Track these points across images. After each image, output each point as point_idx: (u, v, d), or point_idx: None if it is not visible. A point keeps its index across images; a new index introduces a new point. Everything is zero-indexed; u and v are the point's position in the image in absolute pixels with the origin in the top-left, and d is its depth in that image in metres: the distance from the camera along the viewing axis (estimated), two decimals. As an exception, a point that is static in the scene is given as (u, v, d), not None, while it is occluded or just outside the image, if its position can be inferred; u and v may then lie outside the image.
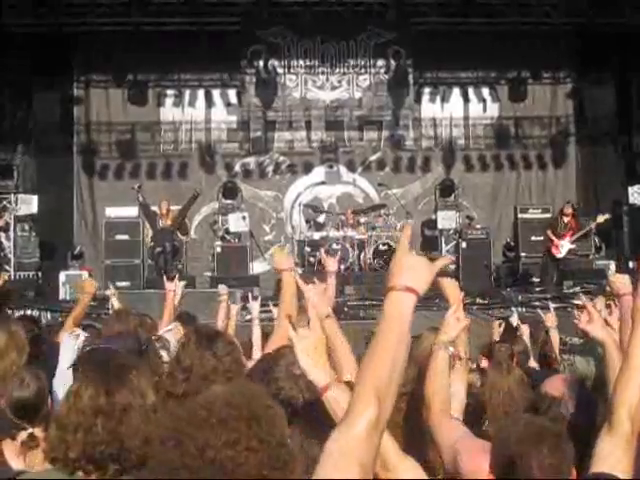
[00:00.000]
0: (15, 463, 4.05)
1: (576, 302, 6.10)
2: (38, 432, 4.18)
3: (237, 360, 4.85)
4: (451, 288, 4.94)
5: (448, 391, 4.21)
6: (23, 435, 4.11)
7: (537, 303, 16.86)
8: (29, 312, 15.96)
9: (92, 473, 3.07)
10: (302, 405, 4.17)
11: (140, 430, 3.10)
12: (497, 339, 8.78)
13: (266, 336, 6.92)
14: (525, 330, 9.29)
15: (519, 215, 20.78)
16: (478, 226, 20.86)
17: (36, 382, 4.50)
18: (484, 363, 7.29)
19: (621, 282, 5.24)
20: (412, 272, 2.75)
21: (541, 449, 3.29)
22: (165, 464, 2.43)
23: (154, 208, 19.26)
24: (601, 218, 18.88)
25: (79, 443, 3.08)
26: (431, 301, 16.75)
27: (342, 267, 18.94)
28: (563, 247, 18.47)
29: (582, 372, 4.82)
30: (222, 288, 9.00)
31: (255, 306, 8.44)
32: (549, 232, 18.75)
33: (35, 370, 4.73)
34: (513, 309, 11.30)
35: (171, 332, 6.88)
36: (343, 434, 2.49)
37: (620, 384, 3.44)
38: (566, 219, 18.73)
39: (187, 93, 22.05)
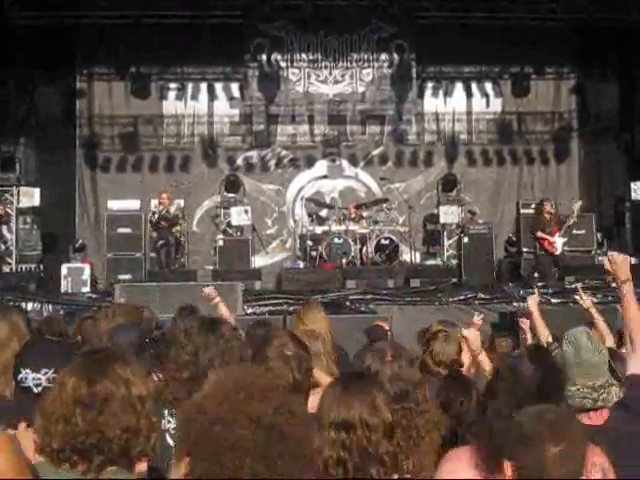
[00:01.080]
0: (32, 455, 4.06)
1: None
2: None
3: (244, 344, 4.89)
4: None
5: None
6: (21, 426, 4.11)
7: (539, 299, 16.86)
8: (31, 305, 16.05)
9: (78, 464, 3.06)
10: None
11: (121, 420, 3.09)
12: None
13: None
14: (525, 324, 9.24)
15: (521, 210, 20.77)
16: (480, 221, 20.85)
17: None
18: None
19: (621, 265, 5.28)
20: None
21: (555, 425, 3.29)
22: (221, 442, 2.52)
23: (155, 201, 19.29)
24: (576, 206, 18.85)
25: (60, 434, 3.08)
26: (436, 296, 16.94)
27: (344, 261, 18.97)
28: (557, 243, 18.42)
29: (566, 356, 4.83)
30: (209, 291, 8.93)
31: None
32: (539, 233, 18.60)
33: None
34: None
35: None
36: None
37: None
38: (548, 216, 18.65)
39: (190, 86, 22.03)
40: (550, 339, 7.56)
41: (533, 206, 19.82)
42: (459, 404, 5.24)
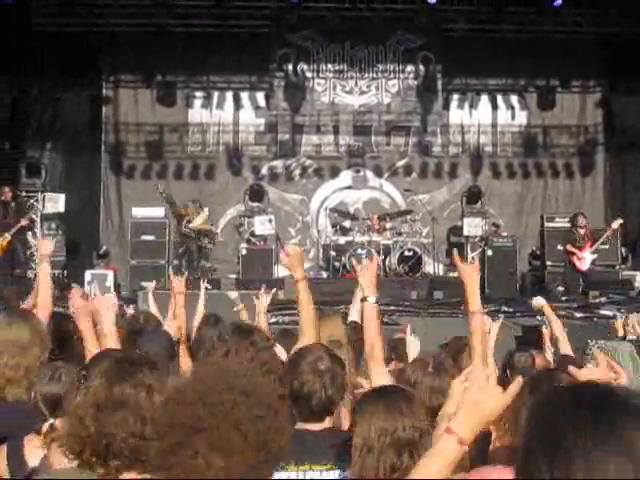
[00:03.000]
0: (33, 459, 4.06)
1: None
2: (59, 423, 4.19)
3: (275, 355, 4.90)
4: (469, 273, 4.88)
5: None
6: (45, 426, 4.12)
7: (562, 313, 16.79)
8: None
9: (97, 468, 3.08)
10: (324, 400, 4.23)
11: (131, 425, 3.09)
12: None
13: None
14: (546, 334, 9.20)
15: (545, 224, 20.66)
16: (504, 234, 20.78)
17: (67, 376, 4.53)
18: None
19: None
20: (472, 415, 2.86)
21: None
22: (170, 419, 2.51)
23: (181, 208, 19.36)
24: (616, 224, 18.74)
25: (78, 435, 3.10)
26: (457, 307, 16.85)
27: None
28: (586, 259, 18.30)
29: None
30: (233, 295, 8.92)
31: (262, 303, 8.34)
32: (569, 246, 18.51)
33: (67, 364, 4.76)
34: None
35: None
36: None
37: None
38: (582, 231, 18.56)
39: (215, 95, 22.08)
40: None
41: (564, 220, 19.75)
42: None
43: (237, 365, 2.70)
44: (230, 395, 2.49)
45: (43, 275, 6.43)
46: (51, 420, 4.22)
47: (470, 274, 4.99)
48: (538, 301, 8.85)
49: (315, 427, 4.25)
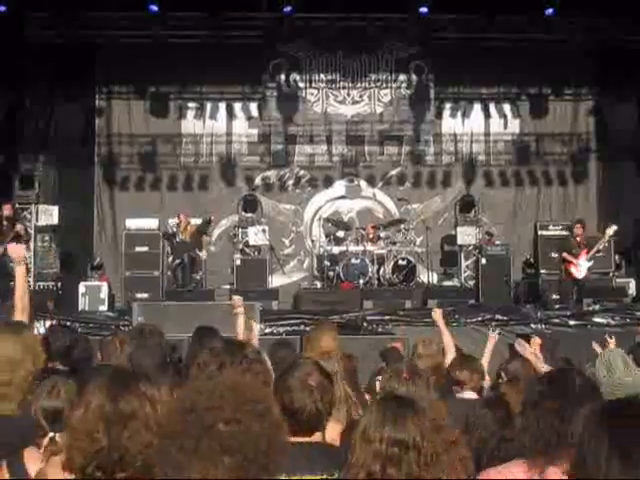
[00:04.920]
0: (34, 471, 4.06)
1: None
2: (59, 437, 4.20)
3: (267, 367, 4.92)
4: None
5: None
6: (45, 441, 4.13)
7: (556, 320, 16.82)
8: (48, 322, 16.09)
9: None
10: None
11: (144, 437, 3.11)
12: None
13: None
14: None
15: (539, 232, 20.71)
16: (498, 242, 20.80)
17: (66, 390, 4.54)
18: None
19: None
20: None
21: None
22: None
23: (171, 220, 19.39)
24: (610, 230, 18.75)
25: (85, 449, 3.11)
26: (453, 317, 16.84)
27: (361, 281, 18.94)
28: (582, 266, 18.32)
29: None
30: (237, 299, 8.92)
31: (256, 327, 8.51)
32: (565, 255, 18.54)
33: (65, 378, 4.77)
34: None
35: None
36: None
37: None
38: (578, 238, 18.61)
39: (208, 106, 22.07)
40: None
41: (558, 228, 19.78)
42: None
43: (234, 379, 2.70)
44: (206, 400, 2.50)
45: (18, 278, 6.53)
46: (51, 434, 4.23)
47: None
48: (435, 312, 9.25)
49: (305, 440, 4.26)
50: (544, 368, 7.10)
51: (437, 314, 9.00)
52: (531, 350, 7.59)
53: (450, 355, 8.01)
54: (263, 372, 4.78)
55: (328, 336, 7.46)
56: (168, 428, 2.49)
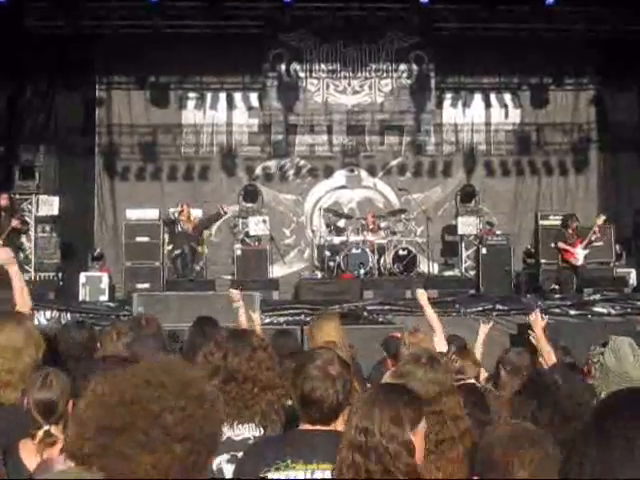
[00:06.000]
0: (30, 462, 4.07)
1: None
2: (54, 429, 4.20)
3: (271, 354, 4.91)
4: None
5: None
6: (40, 433, 4.13)
7: (557, 310, 16.81)
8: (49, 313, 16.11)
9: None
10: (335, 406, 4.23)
11: None
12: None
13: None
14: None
15: (540, 221, 20.68)
16: (498, 232, 20.78)
17: (59, 381, 4.53)
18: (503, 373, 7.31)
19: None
20: None
21: (525, 449, 3.30)
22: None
23: (172, 210, 19.37)
24: (600, 219, 18.75)
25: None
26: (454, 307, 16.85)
27: (362, 272, 18.93)
28: (579, 254, 18.34)
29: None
30: (235, 293, 8.90)
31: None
32: (561, 244, 18.54)
33: (57, 369, 4.77)
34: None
35: None
36: None
37: None
38: (571, 230, 18.60)
39: (209, 96, 22.06)
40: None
41: (558, 218, 19.74)
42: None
43: (164, 362, 2.66)
44: (147, 390, 2.45)
45: (13, 278, 6.52)
46: (46, 427, 4.23)
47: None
48: (419, 294, 8.87)
49: (323, 428, 4.24)
50: (550, 353, 7.10)
51: (421, 295, 8.72)
52: (542, 325, 7.50)
53: (440, 337, 7.86)
54: (265, 360, 4.79)
55: (330, 326, 7.45)
56: (109, 421, 2.46)
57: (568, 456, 2.03)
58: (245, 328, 5.88)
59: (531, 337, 7.79)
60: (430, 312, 8.32)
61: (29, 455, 4.10)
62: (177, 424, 2.42)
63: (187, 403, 2.46)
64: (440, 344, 7.59)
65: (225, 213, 19.56)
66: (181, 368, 2.60)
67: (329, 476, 3.92)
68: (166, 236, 19.57)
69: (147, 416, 2.42)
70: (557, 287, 18.83)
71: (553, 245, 18.99)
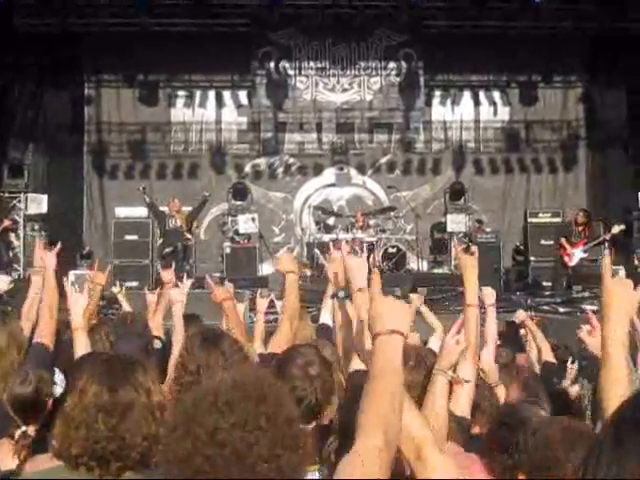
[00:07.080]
0: (6, 464, 4.05)
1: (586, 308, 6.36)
2: (31, 430, 4.18)
3: (245, 358, 4.86)
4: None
5: (446, 419, 4.04)
6: (17, 433, 4.12)
7: (546, 307, 16.83)
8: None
9: (94, 469, 3.09)
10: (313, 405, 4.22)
11: (142, 428, 3.11)
12: None
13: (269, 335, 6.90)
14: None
15: (529, 219, 20.69)
16: (488, 230, 20.80)
17: (37, 381, 4.50)
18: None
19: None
20: (392, 315, 2.90)
21: (577, 452, 3.29)
22: (177, 452, 2.43)
23: (163, 208, 19.32)
24: (616, 229, 18.69)
25: (81, 439, 3.10)
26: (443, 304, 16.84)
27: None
28: (575, 256, 18.34)
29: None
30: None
31: (263, 303, 8.46)
32: (563, 240, 18.58)
33: (38, 369, 4.74)
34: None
35: None
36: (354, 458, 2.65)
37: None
38: (580, 228, 18.61)
39: (198, 94, 22.07)
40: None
41: (547, 215, 19.79)
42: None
43: (264, 382, 2.60)
44: (249, 425, 2.43)
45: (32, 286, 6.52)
46: (23, 427, 4.21)
47: (471, 266, 5.09)
48: (520, 315, 8.87)
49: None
50: (548, 350, 7.11)
51: (418, 299, 8.69)
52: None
53: (440, 337, 7.80)
54: (240, 361, 4.70)
55: (304, 325, 7.42)
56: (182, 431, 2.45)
57: (585, 458, 2.04)
58: (217, 331, 5.74)
59: (527, 336, 7.83)
60: (428, 315, 8.35)
61: (6, 455, 4.08)
62: (270, 470, 2.41)
63: (252, 421, 2.44)
64: (436, 344, 7.58)
65: (207, 198, 19.56)
66: (255, 383, 2.56)
67: (317, 476, 3.91)
68: (157, 231, 19.54)
69: (240, 460, 2.40)
70: (548, 284, 18.86)
71: (555, 239, 19.02)
